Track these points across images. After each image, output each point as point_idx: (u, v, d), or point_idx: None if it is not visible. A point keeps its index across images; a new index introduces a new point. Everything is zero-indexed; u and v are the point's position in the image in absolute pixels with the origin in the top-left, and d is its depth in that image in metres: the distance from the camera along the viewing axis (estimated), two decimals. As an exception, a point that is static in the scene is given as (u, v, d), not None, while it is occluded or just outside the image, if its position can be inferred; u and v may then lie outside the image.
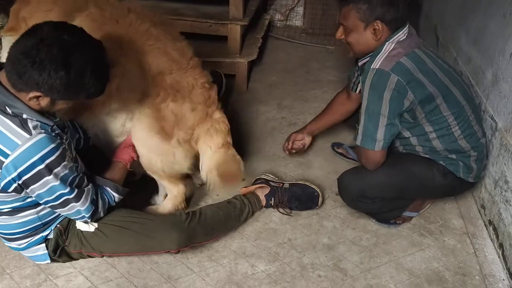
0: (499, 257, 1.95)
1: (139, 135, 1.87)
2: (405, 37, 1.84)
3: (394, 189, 1.94)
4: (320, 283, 1.83)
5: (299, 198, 2.16)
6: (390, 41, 1.83)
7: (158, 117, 1.83)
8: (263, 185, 2.18)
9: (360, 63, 2.00)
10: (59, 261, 1.82)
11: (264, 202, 2.14)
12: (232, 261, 1.90)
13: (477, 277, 1.88)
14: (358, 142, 1.88)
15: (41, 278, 1.78)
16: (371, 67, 1.82)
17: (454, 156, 1.92)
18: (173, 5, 3.08)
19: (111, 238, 1.77)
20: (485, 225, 2.11)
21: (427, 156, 1.95)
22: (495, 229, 2.00)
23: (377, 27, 1.82)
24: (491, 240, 2.03)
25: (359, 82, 2.23)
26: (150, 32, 1.85)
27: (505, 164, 1.94)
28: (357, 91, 2.29)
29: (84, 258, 1.85)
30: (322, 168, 2.47)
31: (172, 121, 1.85)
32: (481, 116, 2.18)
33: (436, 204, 2.26)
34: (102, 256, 1.84)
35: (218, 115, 1.96)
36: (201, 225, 1.89)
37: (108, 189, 1.76)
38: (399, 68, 1.77)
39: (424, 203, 2.18)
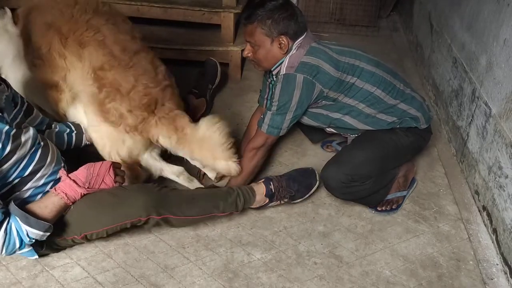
0: (493, 243, 1.96)
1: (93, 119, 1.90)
2: (302, 38, 1.98)
3: (376, 161, 2.02)
4: (316, 270, 1.84)
5: (297, 179, 2.06)
6: (293, 48, 1.98)
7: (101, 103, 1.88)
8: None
9: (274, 72, 2.09)
10: (48, 253, 1.81)
11: (264, 189, 1.99)
12: (228, 250, 1.91)
13: (471, 262, 1.90)
14: (263, 130, 2.02)
15: (37, 269, 1.78)
16: (280, 73, 1.98)
17: (394, 117, 2.06)
18: (165, -6, 3.06)
19: (86, 215, 1.72)
20: (479, 210, 2.12)
21: (375, 128, 2.08)
22: (489, 215, 2.02)
23: (283, 42, 1.96)
24: (485, 226, 2.05)
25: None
26: (90, 23, 1.84)
27: (499, 150, 1.95)
28: None
29: (70, 244, 1.82)
30: (317, 156, 2.47)
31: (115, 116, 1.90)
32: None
33: (430, 190, 2.27)
34: (87, 238, 1.78)
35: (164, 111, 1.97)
36: (176, 194, 1.85)
37: (19, 220, 1.55)
38: (302, 66, 1.93)
39: (407, 178, 2.22)
